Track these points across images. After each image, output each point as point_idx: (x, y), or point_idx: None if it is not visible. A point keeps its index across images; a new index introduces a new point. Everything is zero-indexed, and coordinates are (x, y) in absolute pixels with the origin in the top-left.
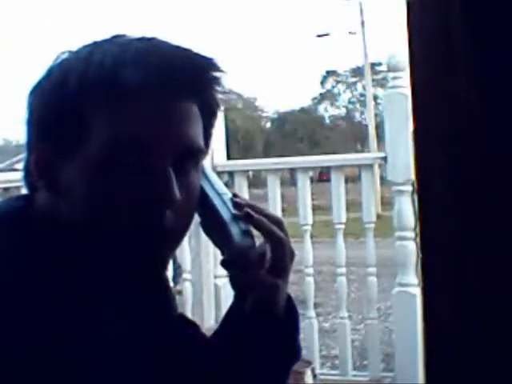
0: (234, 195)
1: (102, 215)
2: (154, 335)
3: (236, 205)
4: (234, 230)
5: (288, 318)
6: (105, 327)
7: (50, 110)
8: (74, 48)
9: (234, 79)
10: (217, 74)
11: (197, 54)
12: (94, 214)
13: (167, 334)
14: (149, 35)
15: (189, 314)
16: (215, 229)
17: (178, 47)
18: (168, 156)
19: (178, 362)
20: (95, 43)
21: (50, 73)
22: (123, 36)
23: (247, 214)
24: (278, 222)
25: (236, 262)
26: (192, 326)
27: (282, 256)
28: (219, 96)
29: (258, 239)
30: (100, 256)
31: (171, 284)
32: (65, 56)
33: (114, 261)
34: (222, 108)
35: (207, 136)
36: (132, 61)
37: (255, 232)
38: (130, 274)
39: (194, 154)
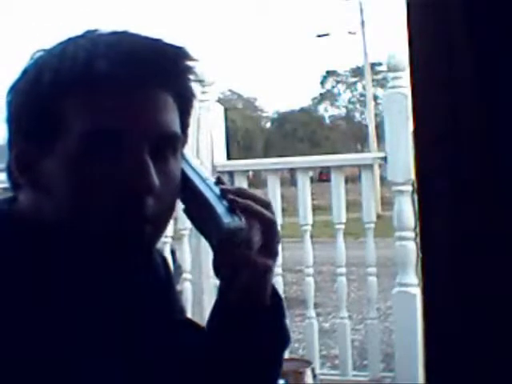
0: (219, 179)
1: (82, 208)
2: (144, 324)
3: (222, 190)
4: (222, 212)
5: (274, 303)
6: (95, 318)
7: (27, 107)
8: (49, 46)
9: (234, 79)
10: (189, 62)
11: (167, 44)
12: (75, 206)
13: (159, 323)
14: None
15: (189, 314)
16: (201, 213)
17: (148, 38)
18: (144, 143)
19: (169, 355)
20: (68, 39)
21: (25, 71)
22: (95, 31)
23: (232, 199)
24: (266, 205)
25: (226, 243)
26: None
27: (271, 237)
28: (193, 85)
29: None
30: (85, 249)
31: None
32: (39, 54)
33: (99, 253)
34: (223, 107)
35: (184, 126)
36: (104, 53)
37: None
38: (115, 263)
39: (170, 140)
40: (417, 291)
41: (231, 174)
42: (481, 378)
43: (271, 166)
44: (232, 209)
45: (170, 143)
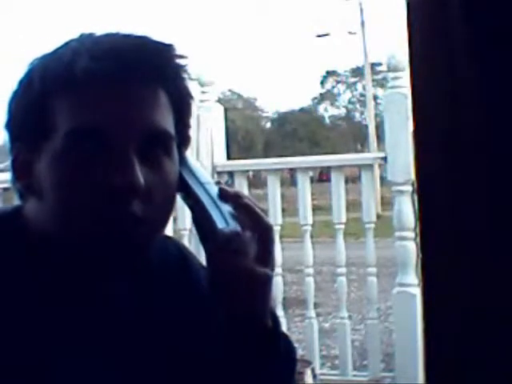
0: (218, 183)
1: (68, 209)
2: (134, 323)
3: (222, 192)
4: (217, 217)
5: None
6: (90, 320)
7: (20, 111)
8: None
9: (234, 79)
10: (179, 60)
11: (155, 41)
12: (62, 208)
13: (153, 322)
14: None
15: None
16: (200, 219)
17: (134, 35)
18: (130, 142)
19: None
20: (64, 43)
21: (22, 76)
22: (91, 34)
23: (233, 196)
24: (263, 210)
25: (221, 250)
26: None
27: (269, 245)
28: (188, 83)
29: None
30: (76, 251)
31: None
32: (35, 61)
33: (90, 253)
34: (222, 107)
35: (184, 126)
36: (90, 52)
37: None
38: (107, 263)
39: (161, 138)
40: (417, 291)
41: (231, 174)
42: (480, 378)
43: (271, 166)
44: (229, 214)
45: (160, 141)
